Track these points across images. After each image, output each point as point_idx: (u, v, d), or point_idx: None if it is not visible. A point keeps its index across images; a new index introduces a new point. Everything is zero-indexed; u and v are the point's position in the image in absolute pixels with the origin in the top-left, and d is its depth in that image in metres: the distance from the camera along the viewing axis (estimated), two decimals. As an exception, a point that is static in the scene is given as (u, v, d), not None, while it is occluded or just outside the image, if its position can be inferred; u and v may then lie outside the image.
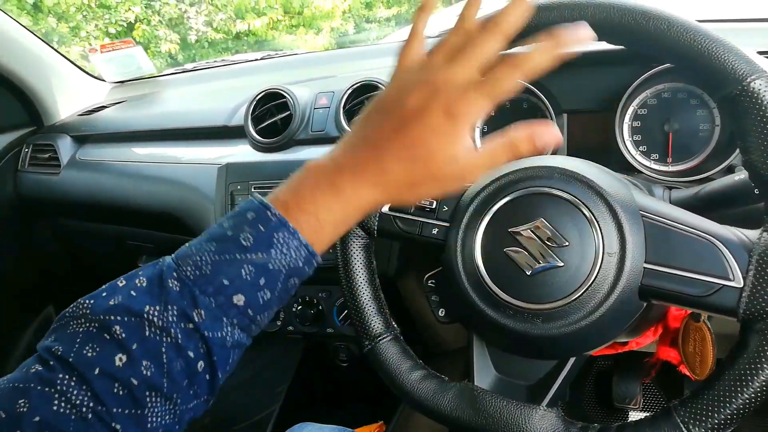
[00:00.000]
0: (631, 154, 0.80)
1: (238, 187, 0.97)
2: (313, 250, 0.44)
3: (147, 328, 0.39)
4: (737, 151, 0.72)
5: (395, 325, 0.63)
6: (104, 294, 0.42)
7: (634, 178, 0.65)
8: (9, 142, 1.34)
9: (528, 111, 0.87)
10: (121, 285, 0.42)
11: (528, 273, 0.51)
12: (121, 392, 0.38)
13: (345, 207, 0.44)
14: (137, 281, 0.42)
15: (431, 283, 0.62)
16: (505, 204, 0.54)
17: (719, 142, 0.77)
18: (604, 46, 0.53)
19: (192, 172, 1.08)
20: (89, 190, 1.25)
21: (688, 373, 0.75)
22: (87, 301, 0.42)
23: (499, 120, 0.89)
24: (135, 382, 0.39)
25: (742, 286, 0.45)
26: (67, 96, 1.42)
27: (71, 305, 0.42)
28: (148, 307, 0.40)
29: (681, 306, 0.50)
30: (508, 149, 0.44)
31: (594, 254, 0.50)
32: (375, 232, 0.62)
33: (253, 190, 0.96)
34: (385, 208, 0.61)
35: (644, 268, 0.49)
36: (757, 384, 0.44)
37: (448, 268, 0.57)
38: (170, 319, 0.40)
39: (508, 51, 0.44)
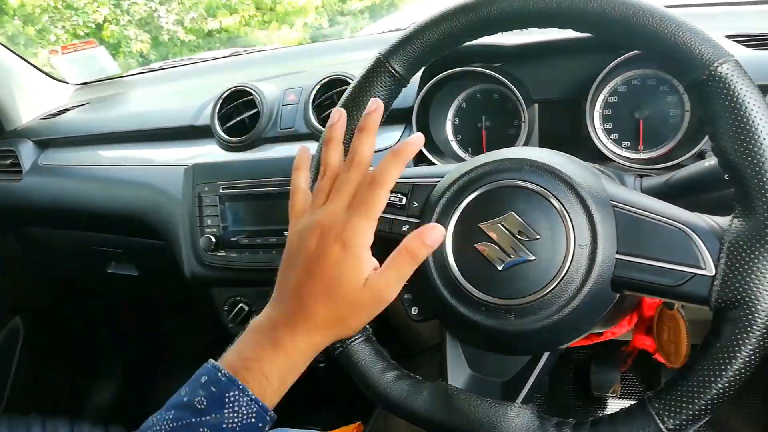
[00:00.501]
0: (603, 143, 0.79)
1: (206, 188, 0.95)
2: (264, 404, 0.47)
3: None
4: (707, 136, 0.72)
5: (367, 326, 0.61)
6: None
7: (605, 167, 0.64)
8: (-32, 149, 1.30)
9: (499, 101, 0.86)
10: None
11: (499, 268, 0.50)
12: None
13: (287, 358, 0.49)
14: None
15: None
16: (474, 198, 0.53)
17: (689, 128, 0.77)
18: (573, 34, 0.52)
19: (159, 174, 1.06)
20: (53, 196, 1.21)
21: (663, 361, 0.75)
22: None
23: (472, 112, 0.88)
24: None
25: (714, 274, 0.45)
26: (27, 100, 1.37)
27: None
28: None
29: (654, 296, 0.50)
30: (409, 257, 0.49)
31: (565, 247, 0.49)
32: None
33: (221, 190, 0.93)
34: None
35: (616, 258, 0.48)
36: (730, 373, 0.43)
37: (420, 266, 0.55)
38: None
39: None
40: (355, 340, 0.59)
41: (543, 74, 0.83)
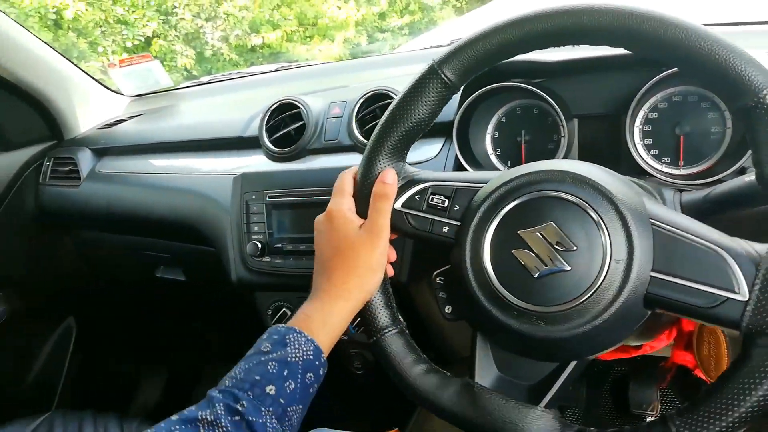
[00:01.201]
0: (643, 158, 0.80)
1: (253, 196, 0.99)
2: (318, 345, 0.56)
3: (201, 427, 0.48)
4: (749, 152, 0.72)
5: (401, 319, 0.64)
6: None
7: (644, 181, 0.65)
8: (30, 156, 1.37)
9: (538, 116, 0.88)
10: (175, 417, 0.51)
11: (535, 275, 0.52)
12: None
13: (327, 317, 0.59)
14: (191, 408, 0.51)
15: (440, 280, 0.63)
16: (515, 206, 0.54)
17: (731, 144, 0.77)
18: (613, 50, 0.53)
19: (208, 183, 1.10)
20: (108, 202, 1.28)
21: (703, 377, 0.75)
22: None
23: (511, 126, 0.90)
24: None
25: (747, 299, 0.45)
26: (86, 110, 1.45)
27: None
28: (200, 414, 0.49)
29: (685, 316, 0.50)
30: (379, 198, 0.61)
31: (601, 260, 0.50)
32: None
33: (267, 199, 0.97)
34: (398, 205, 0.62)
35: (651, 276, 0.49)
36: (755, 399, 0.44)
37: (457, 267, 0.57)
38: (219, 413, 0.49)
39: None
40: (389, 331, 0.62)
41: (583, 90, 0.84)
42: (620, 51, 0.53)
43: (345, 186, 0.64)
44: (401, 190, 0.62)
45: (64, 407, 1.38)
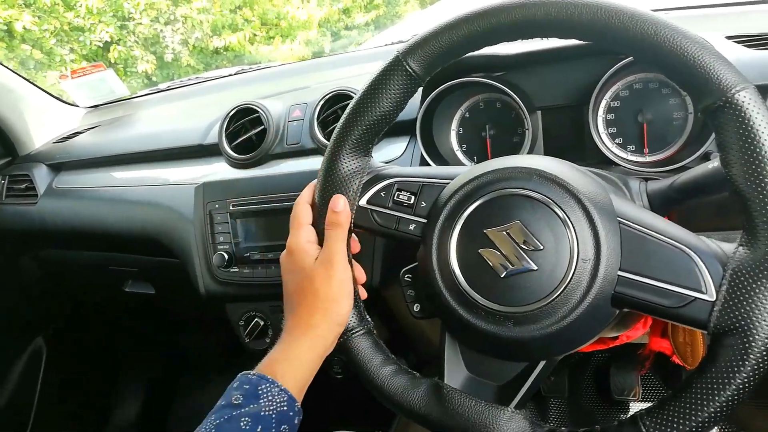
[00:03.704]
0: (607, 147, 0.79)
1: (216, 205, 0.96)
2: (291, 394, 0.54)
3: None
4: (712, 137, 0.72)
5: (369, 319, 0.63)
6: None
7: (610, 172, 0.65)
8: (-16, 175, 1.33)
9: (502, 110, 0.87)
10: None
11: (501, 275, 0.51)
12: None
13: (302, 354, 0.57)
14: None
15: (407, 277, 0.62)
16: (482, 204, 0.54)
17: (693, 129, 0.77)
18: (572, 41, 0.52)
19: (170, 194, 1.07)
20: (68, 218, 1.24)
21: (681, 363, 0.75)
22: None
23: (475, 121, 0.89)
24: None
25: (714, 299, 0.45)
26: (40, 124, 1.40)
27: None
28: None
29: (653, 315, 0.50)
30: (333, 228, 0.59)
31: (568, 259, 0.49)
32: (351, 225, 0.61)
33: (231, 207, 0.95)
34: (363, 201, 0.61)
35: (618, 275, 0.49)
36: (723, 398, 0.44)
37: (423, 265, 0.56)
38: None
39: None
40: (357, 332, 0.60)
41: (544, 81, 0.84)
42: (579, 42, 0.52)
43: (300, 217, 0.62)
44: (367, 186, 0.61)
45: (39, 429, 1.34)
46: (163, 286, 1.28)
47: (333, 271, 0.58)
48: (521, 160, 0.55)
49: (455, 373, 0.57)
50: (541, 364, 0.55)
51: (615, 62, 0.76)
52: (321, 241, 0.60)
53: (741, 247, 0.46)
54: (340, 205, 0.59)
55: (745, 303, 0.44)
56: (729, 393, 0.44)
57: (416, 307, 0.62)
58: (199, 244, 0.99)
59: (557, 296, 0.49)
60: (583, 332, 0.51)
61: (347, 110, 0.59)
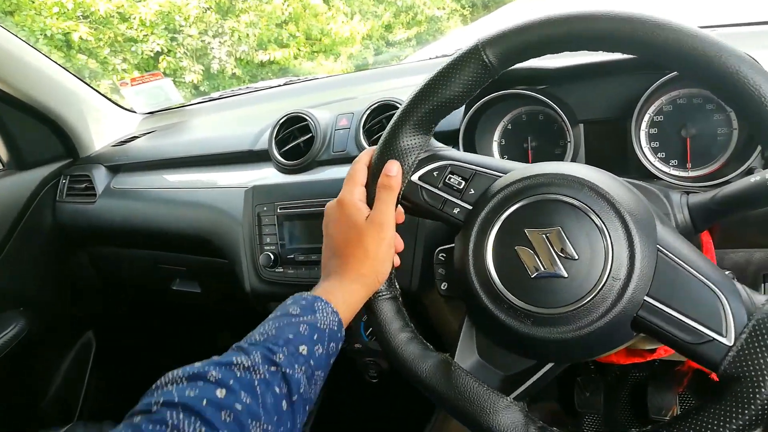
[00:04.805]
0: (650, 161, 0.80)
1: (265, 208, 1.00)
2: (341, 319, 0.57)
3: (237, 370, 0.47)
4: (756, 152, 0.72)
5: (397, 286, 0.65)
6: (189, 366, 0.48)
7: (652, 184, 0.65)
8: (47, 175, 1.41)
9: (544, 123, 0.89)
10: (208, 360, 0.49)
11: (532, 275, 0.52)
12: (228, 419, 0.43)
13: (345, 295, 0.59)
14: (218, 357, 0.49)
15: (441, 256, 0.64)
16: (529, 203, 0.55)
17: (738, 145, 0.77)
18: (617, 55, 0.53)
19: (220, 196, 1.12)
20: (123, 217, 1.30)
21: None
22: (175, 371, 0.47)
23: (518, 132, 0.91)
24: (239, 407, 0.44)
25: (731, 344, 0.46)
26: (100, 128, 1.48)
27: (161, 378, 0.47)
28: (234, 358, 0.48)
29: (667, 346, 0.50)
30: (384, 190, 0.62)
31: (599, 274, 0.50)
32: (399, 196, 0.63)
33: (279, 210, 0.99)
34: (415, 177, 0.63)
35: (644, 300, 0.49)
36: None
37: (459, 249, 0.58)
38: (256, 360, 0.48)
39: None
40: (384, 295, 0.63)
41: (587, 95, 0.85)
42: (623, 55, 0.53)
43: (357, 174, 0.64)
44: (422, 163, 0.63)
45: (85, 419, 1.40)
46: (209, 285, 1.33)
47: (384, 233, 0.61)
48: (577, 170, 0.56)
49: (466, 354, 0.59)
50: (549, 365, 0.56)
51: (658, 77, 0.76)
52: (370, 202, 0.63)
53: None
54: (394, 170, 0.61)
55: (761, 355, 0.44)
56: None
57: (444, 286, 0.64)
58: (246, 245, 1.03)
59: (580, 307, 0.50)
60: (598, 346, 0.52)
61: (418, 87, 0.60)
